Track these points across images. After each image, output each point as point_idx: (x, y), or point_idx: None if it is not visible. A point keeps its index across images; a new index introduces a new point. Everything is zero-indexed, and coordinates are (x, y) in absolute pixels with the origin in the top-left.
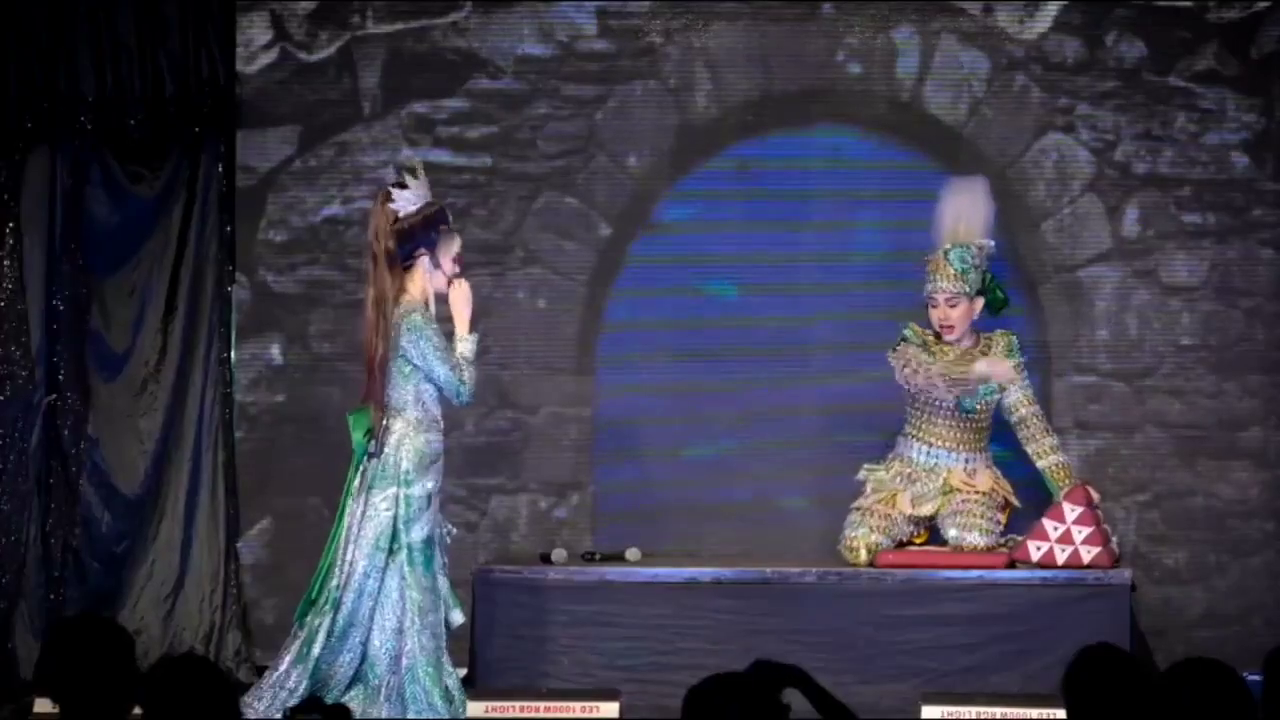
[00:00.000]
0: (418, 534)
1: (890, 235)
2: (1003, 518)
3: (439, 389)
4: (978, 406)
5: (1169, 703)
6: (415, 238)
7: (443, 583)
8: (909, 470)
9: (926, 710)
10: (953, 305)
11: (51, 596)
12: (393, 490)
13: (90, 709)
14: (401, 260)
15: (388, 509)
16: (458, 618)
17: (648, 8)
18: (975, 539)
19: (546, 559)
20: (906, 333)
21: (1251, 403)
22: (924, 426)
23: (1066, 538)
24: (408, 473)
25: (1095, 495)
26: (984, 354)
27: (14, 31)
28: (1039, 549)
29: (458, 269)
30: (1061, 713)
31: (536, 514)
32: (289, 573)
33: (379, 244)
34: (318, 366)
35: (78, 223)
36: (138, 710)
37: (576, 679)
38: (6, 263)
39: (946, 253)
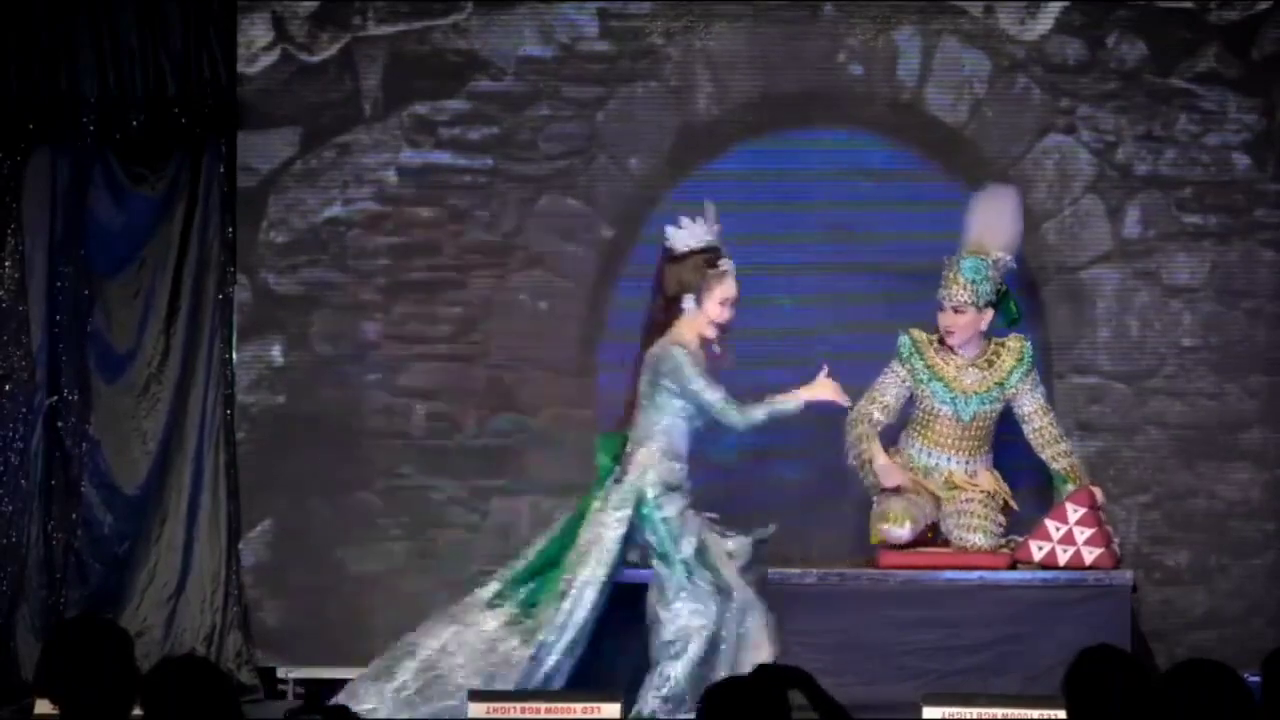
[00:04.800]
0: (687, 548)
1: (892, 236)
2: (1004, 520)
3: (708, 414)
4: (975, 413)
5: (1169, 704)
6: (681, 277)
7: (728, 575)
8: (910, 465)
9: (928, 711)
10: (959, 313)
11: (52, 598)
12: (626, 513)
13: (91, 710)
14: (672, 296)
15: (618, 528)
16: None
17: (649, 9)
18: (978, 540)
19: None
20: (904, 339)
21: (1252, 404)
22: (924, 429)
23: (1069, 538)
24: (657, 498)
25: (1100, 497)
26: (990, 363)
27: (15, 32)
28: (1041, 549)
29: (728, 313)
30: (1062, 714)
31: (538, 516)
32: (290, 574)
33: (658, 276)
34: (319, 367)
35: (79, 223)
36: (138, 711)
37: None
38: (8, 264)
39: (960, 261)
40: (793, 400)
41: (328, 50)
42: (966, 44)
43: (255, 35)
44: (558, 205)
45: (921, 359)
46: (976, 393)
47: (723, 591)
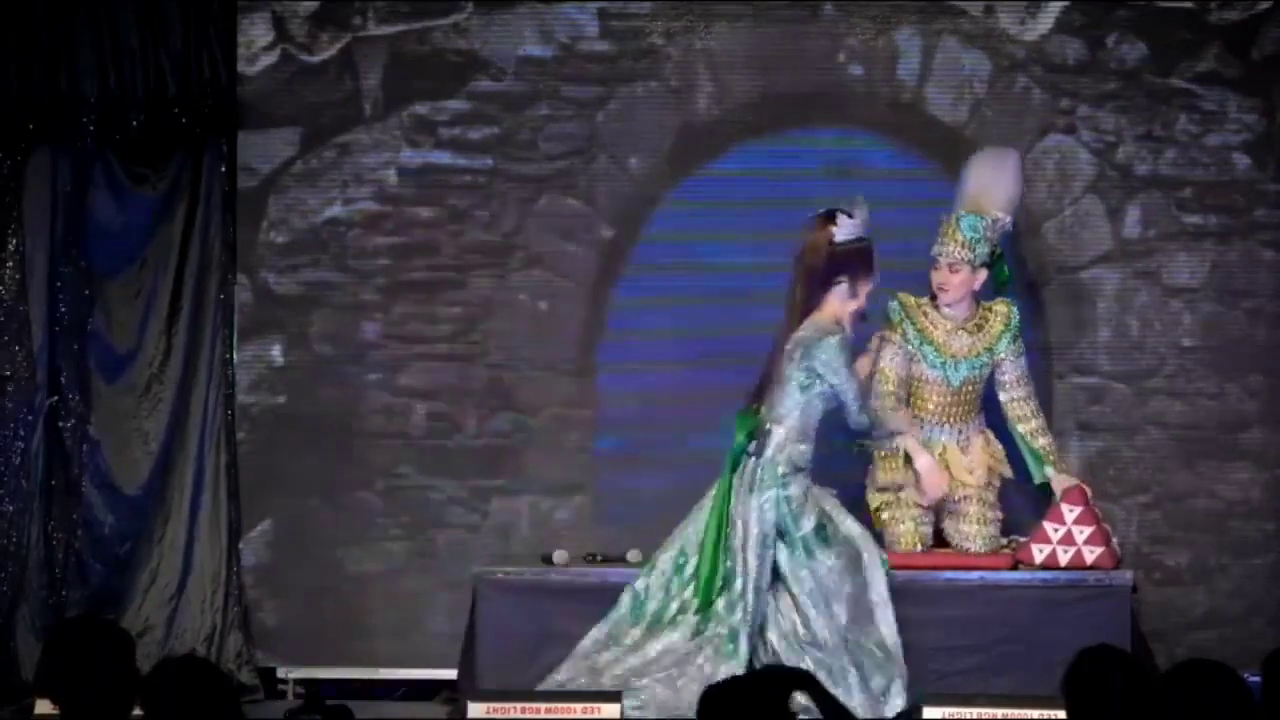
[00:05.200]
0: (807, 524)
1: (892, 236)
2: (1001, 515)
3: (842, 405)
4: (964, 378)
5: (1169, 704)
6: (844, 264)
7: (857, 538)
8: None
9: (928, 711)
10: (954, 271)
11: (53, 599)
12: (773, 493)
13: (91, 710)
14: (824, 280)
15: (770, 509)
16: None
17: (649, 9)
18: (976, 547)
19: (548, 560)
20: (893, 303)
21: (1252, 404)
22: (914, 398)
23: (1068, 539)
24: (784, 476)
25: (1089, 492)
26: (980, 328)
27: (15, 32)
28: (1042, 551)
29: (864, 305)
30: (1062, 714)
31: (538, 516)
32: (290, 575)
33: (810, 259)
34: (319, 368)
35: (80, 224)
36: (138, 711)
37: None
38: (9, 264)
39: (959, 218)
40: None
41: (328, 50)
42: (966, 44)
43: (255, 35)
44: (558, 205)
45: (913, 324)
46: (966, 358)
47: (850, 558)
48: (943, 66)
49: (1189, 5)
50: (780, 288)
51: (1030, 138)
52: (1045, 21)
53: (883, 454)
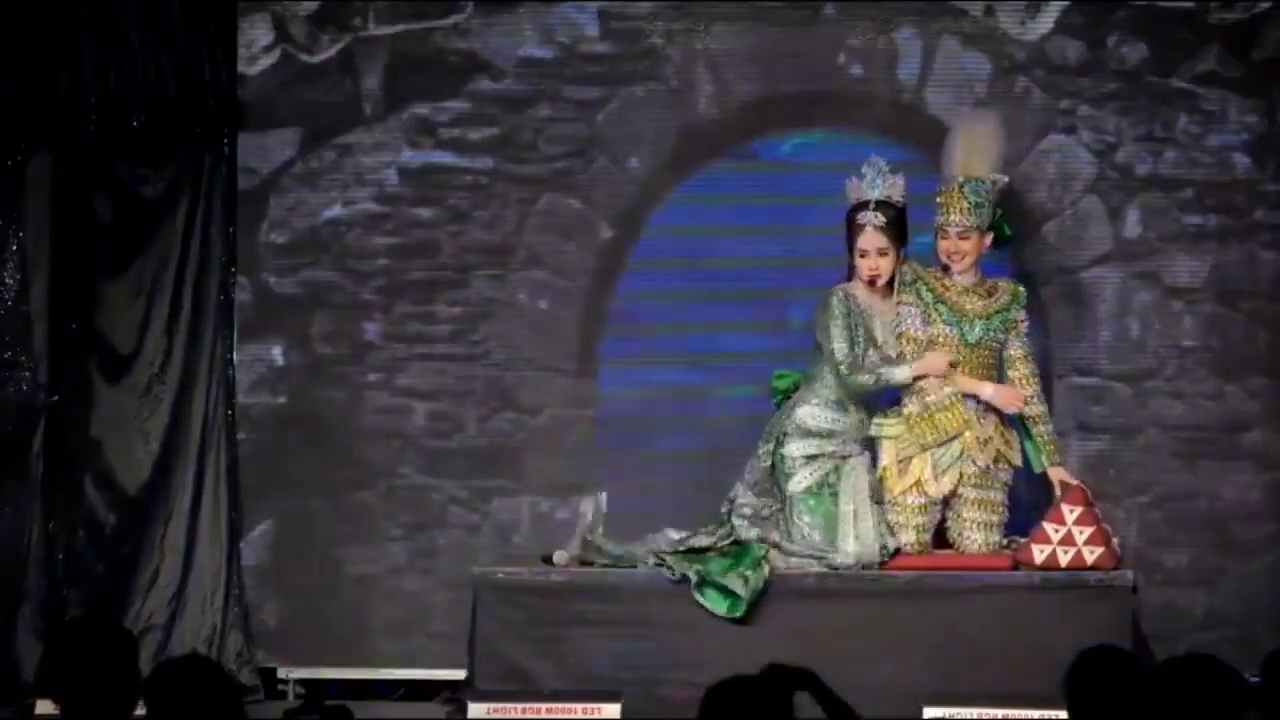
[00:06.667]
0: (795, 486)
1: None
2: (1006, 518)
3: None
4: (980, 338)
5: (1169, 703)
6: (847, 229)
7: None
8: (924, 410)
9: (928, 711)
10: (964, 238)
11: (53, 599)
12: (769, 447)
13: (93, 710)
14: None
15: (765, 458)
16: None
17: (649, 9)
18: (976, 549)
19: (548, 560)
20: (904, 268)
21: (1253, 405)
22: None
23: (1069, 539)
24: (787, 435)
25: (1089, 492)
26: (990, 293)
27: (15, 32)
28: (1042, 552)
29: (868, 264)
30: (1063, 714)
31: (538, 516)
32: (290, 575)
33: None
34: (319, 368)
35: (81, 224)
36: (140, 711)
37: (578, 680)
38: (9, 264)
39: (961, 186)
40: (901, 371)
41: (328, 51)
42: (967, 45)
43: (256, 36)
44: (558, 205)
45: (926, 285)
46: (980, 317)
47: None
48: (943, 67)
49: (1189, 6)
50: (779, 286)
51: (1030, 138)
52: (1045, 22)
53: (888, 420)
